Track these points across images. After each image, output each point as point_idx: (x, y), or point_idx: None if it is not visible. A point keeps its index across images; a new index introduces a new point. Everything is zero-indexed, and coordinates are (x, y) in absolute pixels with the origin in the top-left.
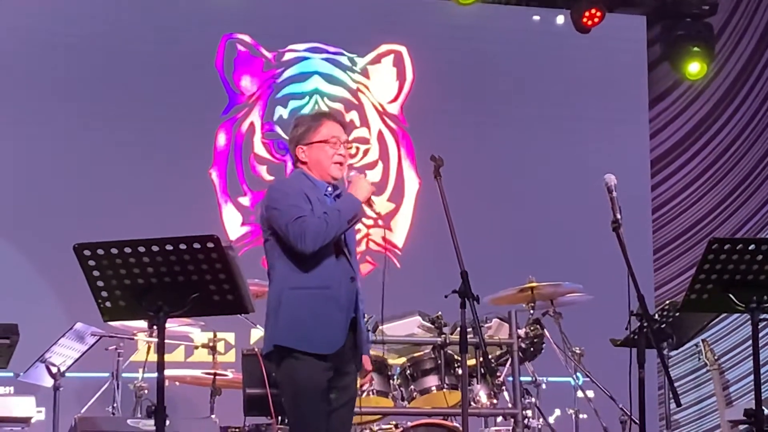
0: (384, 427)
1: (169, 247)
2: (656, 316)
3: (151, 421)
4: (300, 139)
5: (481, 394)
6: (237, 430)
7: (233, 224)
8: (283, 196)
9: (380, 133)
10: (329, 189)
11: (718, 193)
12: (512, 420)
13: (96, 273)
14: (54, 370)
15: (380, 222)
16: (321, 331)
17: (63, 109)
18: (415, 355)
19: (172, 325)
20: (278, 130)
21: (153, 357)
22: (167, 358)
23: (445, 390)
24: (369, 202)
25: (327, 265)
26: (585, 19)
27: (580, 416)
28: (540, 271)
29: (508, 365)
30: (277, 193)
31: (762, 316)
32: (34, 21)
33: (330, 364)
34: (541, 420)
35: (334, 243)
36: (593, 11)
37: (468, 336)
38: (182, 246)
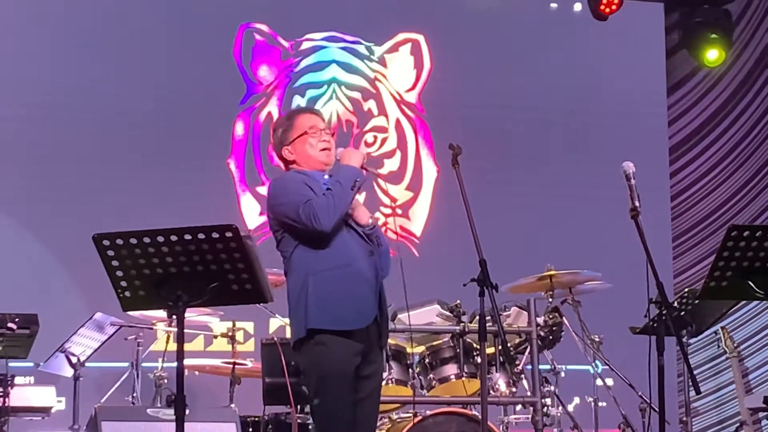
0: (403, 415)
1: (187, 237)
2: (675, 304)
3: (171, 411)
4: (282, 140)
5: (500, 382)
6: (256, 419)
7: (251, 214)
8: (283, 190)
9: (398, 122)
10: (326, 176)
11: (736, 180)
12: (531, 408)
13: (115, 263)
14: (74, 360)
15: (398, 211)
16: (352, 306)
17: (81, 97)
18: (434, 343)
19: (192, 315)
20: None
21: (172, 346)
22: (186, 347)
23: (464, 378)
24: (364, 167)
25: (343, 243)
26: (603, 7)
27: (600, 404)
28: (558, 259)
29: (527, 353)
30: (277, 190)
31: None
32: (51, 12)
33: (360, 347)
34: (560, 408)
35: (344, 222)
36: None
37: (487, 324)
38: (201, 236)
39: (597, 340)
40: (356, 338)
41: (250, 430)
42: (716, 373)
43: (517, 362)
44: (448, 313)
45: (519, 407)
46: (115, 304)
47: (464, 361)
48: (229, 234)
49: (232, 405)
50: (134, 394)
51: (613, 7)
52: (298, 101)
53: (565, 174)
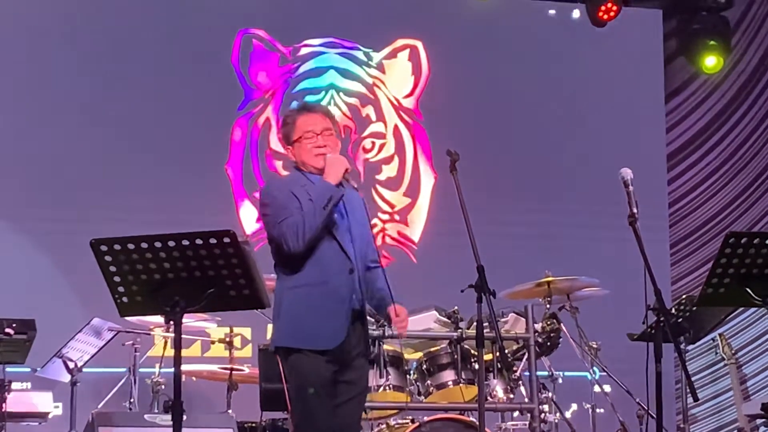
0: (400, 421)
1: (185, 243)
2: (673, 311)
3: (168, 416)
4: (285, 141)
5: (498, 388)
6: (254, 425)
7: (249, 219)
8: (270, 199)
9: (396, 128)
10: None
11: (735, 187)
12: (529, 415)
13: (112, 268)
14: (71, 365)
15: (396, 217)
16: (321, 326)
17: (79, 104)
18: (432, 349)
19: (189, 321)
20: None
21: (170, 352)
22: (184, 353)
23: (461, 385)
24: (346, 177)
25: (321, 259)
26: (601, 13)
27: (597, 411)
28: (556, 266)
29: (524, 360)
30: (266, 197)
31: None
32: (52, 17)
33: (334, 358)
34: (557, 414)
35: (329, 235)
36: (609, 5)
37: (484, 330)
38: (198, 241)
39: (595, 346)
40: (330, 353)
41: None
42: (714, 379)
43: (514, 368)
44: (445, 320)
45: (516, 414)
46: (113, 310)
47: (462, 367)
48: (226, 239)
49: (230, 411)
50: (131, 400)
51: (612, 13)
52: None
53: (563, 180)
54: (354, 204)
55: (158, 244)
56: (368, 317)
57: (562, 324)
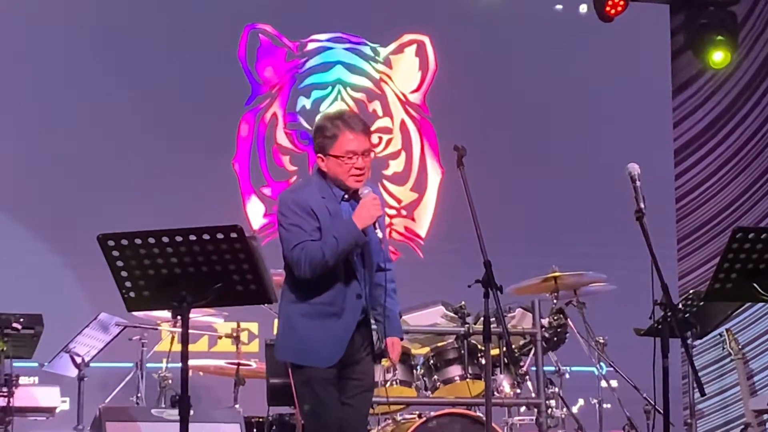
0: (407, 416)
1: (192, 238)
2: (680, 306)
3: (175, 411)
4: (319, 148)
5: (505, 383)
6: (261, 419)
7: (256, 214)
8: (289, 213)
9: (403, 123)
10: (345, 196)
11: (742, 182)
12: (536, 410)
13: (120, 263)
14: (78, 360)
15: (403, 212)
16: (319, 346)
17: (87, 99)
18: (439, 345)
19: (196, 315)
20: (301, 120)
21: (177, 347)
22: (191, 348)
23: (468, 380)
24: (375, 225)
25: (331, 283)
26: (608, 8)
27: (604, 406)
28: (563, 261)
29: (531, 355)
30: (285, 209)
31: None
32: (57, 10)
33: (339, 362)
34: (564, 410)
35: (343, 261)
36: (616, 0)
37: (491, 326)
38: (206, 236)
39: (602, 341)
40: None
41: (255, 430)
42: (721, 375)
43: (521, 364)
44: (452, 315)
45: (523, 409)
46: (120, 305)
47: (468, 362)
48: (234, 234)
49: (237, 405)
50: (138, 395)
51: (619, 8)
52: (303, 102)
53: (570, 175)
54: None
55: (165, 239)
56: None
57: (569, 319)
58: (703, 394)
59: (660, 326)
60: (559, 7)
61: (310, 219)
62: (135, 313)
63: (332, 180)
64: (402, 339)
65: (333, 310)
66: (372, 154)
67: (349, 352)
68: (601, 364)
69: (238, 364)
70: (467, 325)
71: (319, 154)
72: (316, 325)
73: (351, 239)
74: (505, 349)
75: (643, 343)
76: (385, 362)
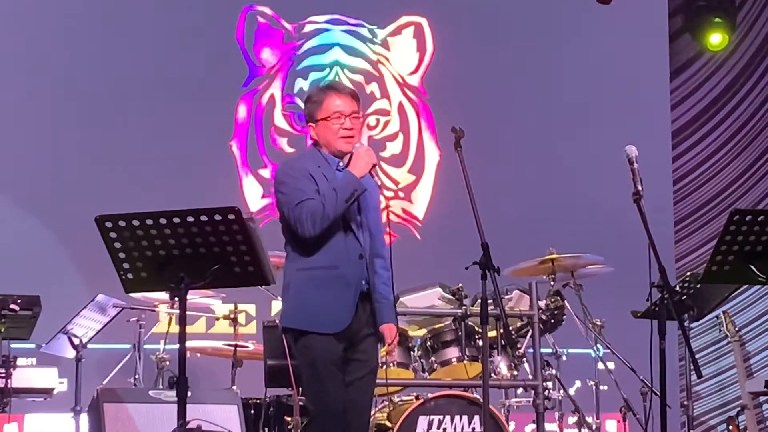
0: (405, 398)
1: (190, 219)
2: (677, 288)
3: (173, 392)
4: (309, 117)
5: (502, 365)
6: (258, 401)
7: (254, 196)
8: (288, 179)
9: (400, 105)
10: (341, 164)
11: (740, 164)
12: (533, 391)
13: (117, 245)
14: (76, 341)
15: (401, 194)
16: (327, 310)
17: (83, 82)
18: (436, 326)
19: (194, 297)
20: (298, 102)
21: (174, 328)
22: (188, 329)
23: (465, 362)
24: (372, 173)
25: (333, 245)
26: None
27: (601, 388)
28: (560, 243)
29: (528, 337)
30: (283, 176)
31: None
32: None
33: (343, 338)
34: (561, 391)
35: (342, 220)
36: None
37: (489, 308)
38: (203, 218)
39: (599, 323)
40: (338, 333)
41: (252, 412)
42: (718, 357)
43: (518, 345)
44: (450, 297)
45: (520, 390)
46: (118, 286)
47: (466, 344)
48: (231, 216)
49: (234, 387)
50: (136, 376)
51: None
52: (301, 84)
53: (568, 157)
54: (369, 190)
55: (163, 221)
56: None
57: (566, 301)
58: (699, 376)
59: (657, 308)
60: None
61: (308, 182)
62: (133, 295)
63: (326, 148)
64: (396, 325)
65: (337, 273)
66: (361, 119)
67: (355, 326)
68: (598, 346)
69: (236, 346)
70: (464, 307)
71: (310, 124)
72: (322, 291)
73: (350, 187)
74: (502, 330)
75: (640, 325)
76: (382, 352)
